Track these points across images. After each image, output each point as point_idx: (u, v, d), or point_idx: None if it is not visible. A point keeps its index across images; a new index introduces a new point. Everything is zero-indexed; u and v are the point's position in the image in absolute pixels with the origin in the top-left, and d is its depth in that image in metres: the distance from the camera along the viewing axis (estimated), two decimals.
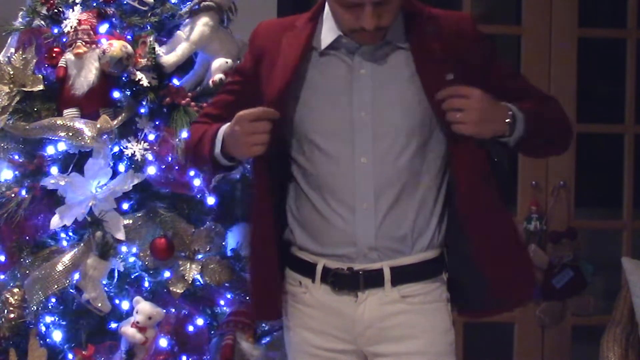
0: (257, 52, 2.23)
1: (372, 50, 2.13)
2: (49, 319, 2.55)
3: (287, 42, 2.16)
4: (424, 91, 2.11)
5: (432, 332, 2.17)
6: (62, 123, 2.56)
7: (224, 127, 2.18)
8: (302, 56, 2.14)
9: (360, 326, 2.16)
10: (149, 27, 2.68)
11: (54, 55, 2.64)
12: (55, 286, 2.50)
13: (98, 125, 2.55)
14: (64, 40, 2.65)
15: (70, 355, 2.52)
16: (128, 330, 2.51)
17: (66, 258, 2.51)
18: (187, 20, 2.69)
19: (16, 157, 2.64)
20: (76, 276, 2.50)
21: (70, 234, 2.59)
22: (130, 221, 2.58)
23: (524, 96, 2.19)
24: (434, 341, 2.17)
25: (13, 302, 2.55)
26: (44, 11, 2.71)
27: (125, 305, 2.56)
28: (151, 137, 2.60)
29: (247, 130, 2.08)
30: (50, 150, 2.60)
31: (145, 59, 2.62)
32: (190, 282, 2.56)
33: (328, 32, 2.15)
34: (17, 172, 2.63)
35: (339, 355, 2.19)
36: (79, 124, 2.55)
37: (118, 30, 2.66)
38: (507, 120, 2.09)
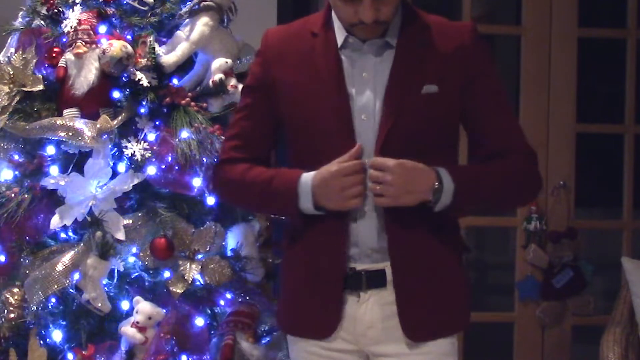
0: (270, 59, 2.21)
1: (374, 52, 2.13)
2: (49, 319, 2.55)
3: (320, 53, 2.15)
4: (383, 96, 2.10)
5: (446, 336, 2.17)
6: (62, 123, 2.55)
7: (307, 179, 2.10)
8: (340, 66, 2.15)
9: (362, 326, 2.15)
10: (149, 27, 2.68)
11: (54, 55, 2.64)
12: (55, 286, 2.49)
13: (98, 125, 2.54)
14: (64, 40, 2.65)
15: (70, 355, 2.52)
16: (128, 330, 2.51)
17: (66, 258, 2.51)
18: (187, 20, 2.69)
19: (16, 157, 2.63)
20: (76, 276, 2.50)
21: (71, 234, 2.58)
22: (130, 221, 2.58)
23: (489, 137, 2.15)
24: (437, 341, 2.16)
25: (13, 302, 2.54)
26: (44, 11, 2.71)
27: (125, 305, 2.56)
28: (151, 137, 2.60)
29: (345, 185, 2.07)
30: (50, 150, 2.60)
31: (145, 59, 2.62)
32: (190, 282, 2.56)
33: (338, 32, 2.16)
34: (17, 172, 2.62)
35: (341, 355, 2.18)
36: (79, 124, 2.55)
37: (118, 30, 2.66)
38: (432, 189, 2.04)
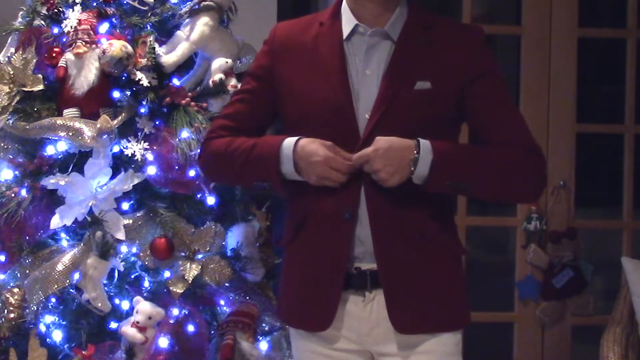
0: (277, 50, 2.22)
1: (377, 46, 2.14)
2: (49, 319, 2.54)
3: (323, 42, 2.17)
4: (380, 91, 2.11)
5: (441, 332, 2.17)
6: (62, 123, 2.55)
7: (290, 144, 2.11)
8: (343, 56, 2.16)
9: (367, 326, 2.15)
10: (149, 27, 2.68)
11: (54, 55, 2.64)
12: (55, 286, 2.49)
13: (98, 125, 2.54)
14: (64, 40, 2.64)
15: (70, 355, 2.52)
16: (128, 330, 2.51)
17: (66, 258, 2.51)
18: (187, 20, 2.69)
19: (16, 157, 2.63)
20: (76, 276, 2.49)
21: (70, 234, 2.58)
22: (130, 221, 2.58)
23: (492, 132, 2.14)
24: (441, 341, 2.17)
25: (13, 302, 2.54)
26: (44, 11, 2.71)
27: (125, 305, 2.56)
28: (151, 137, 2.59)
29: (324, 175, 2.07)
30: (50, 150, 2.60)
31: (145, 59, 2.62)
32: (190, 282, 2.56)
33: (346, 24, 2.18)
34: (17, 172, 2.62)
35: (346, 355, 2.18)
36: (79, 124, 2.54)
37: (118, 30, 2.66)
38: (412, 160, 2.04)
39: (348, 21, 2.17)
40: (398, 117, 2.10)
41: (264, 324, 2.66)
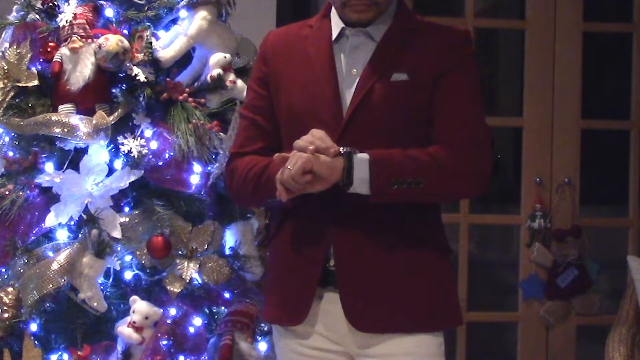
0: (268, 55, 2.24)
1: (363, 47, 2.15)
2: (44, 318, 2.52)
3: (312, 43, 2.20)
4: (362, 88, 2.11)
5: (420, 333, 2.13)
6: (57, 119, 2.54)
7: None
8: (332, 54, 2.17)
9: (347, 326, 2.13)
10: (145, 21, 2.66)
11: (49, 49, 2.62)
12: (50, 285, 2.47)
13: (94, 121, 2.53)
14: (59, 34, 2.62)
15: (65, 356, 2.50)
16: (124, 330, 2.49)
17: (61, 257, 2.49)
18: (185, 14, 2.66)
19: (10, 153, 2.61)
20: (71, 275, 2.46)
21: (66, 232, 2.55)
22: (127, 219, 2.56)
23: (437, 125, 2.11)
24: (422, 342, 2.14)
25: (7, 301, 2.52)
26: (38, 5, 2.70)
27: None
28: (148, 133, 2.57)
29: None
30: (45, 146, 2.57)
31: (142, 54, 2.60)
32: (187, 281, 2.54)
33: (335, 26, 2.19)
34: (11, 169, 2.60)
35: (326, 355, 2.18)
36: (75, 120, 2.53)
37: (114, 25, 2.64)
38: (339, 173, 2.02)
39: (337, 23, 2.19)
40: (375, 108, 2.10)
41: (262, 324, 2.64)
